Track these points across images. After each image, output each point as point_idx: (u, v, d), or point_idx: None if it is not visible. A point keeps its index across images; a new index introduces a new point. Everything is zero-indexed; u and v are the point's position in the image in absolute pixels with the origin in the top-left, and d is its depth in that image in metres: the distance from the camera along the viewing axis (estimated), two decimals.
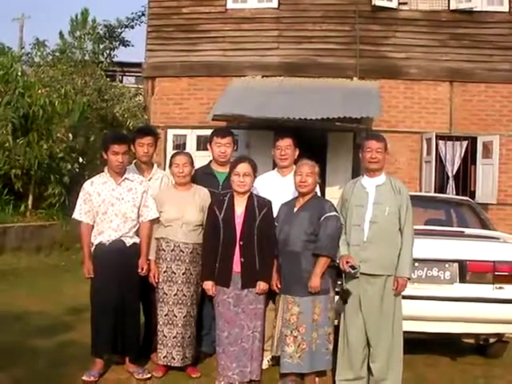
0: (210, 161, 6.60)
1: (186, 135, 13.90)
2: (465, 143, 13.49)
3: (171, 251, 5.84)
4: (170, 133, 14.08)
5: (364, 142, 5.84)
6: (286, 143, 6.39)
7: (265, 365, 6.11)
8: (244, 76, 13.59)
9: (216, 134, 6.52)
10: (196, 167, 6.24)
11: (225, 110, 11.43)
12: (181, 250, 5.83)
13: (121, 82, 22.25)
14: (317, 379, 5.80)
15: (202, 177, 6.31)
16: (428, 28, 13.50)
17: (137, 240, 5.86)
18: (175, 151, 6.98)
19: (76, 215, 5.89)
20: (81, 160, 13.55)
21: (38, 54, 18.34)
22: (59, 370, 5.95)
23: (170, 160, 6.08)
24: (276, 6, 14.01)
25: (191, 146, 13.61)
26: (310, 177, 5.77)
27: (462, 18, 13.50)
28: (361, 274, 5.49)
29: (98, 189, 5.83)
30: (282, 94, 12.40)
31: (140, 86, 17.16)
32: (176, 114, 14.02)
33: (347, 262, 5.49)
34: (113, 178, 5.86)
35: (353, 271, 5.44)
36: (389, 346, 5.53)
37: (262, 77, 13.61)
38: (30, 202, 13.52)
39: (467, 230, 7.07)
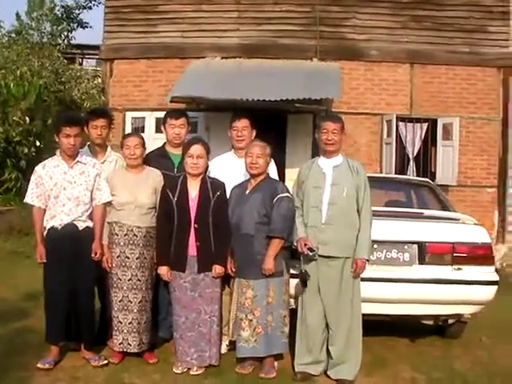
0: (165, 143, 6.50)
1: (144, 117, 13.66)
2: (425, 125, 13.50)
3: (124, 235, 5.73)
4: (129, 115, 13.84)
5: (320, 122, 5.74)
6: (242, 124, 6.30)
7: (223, 349, 6.07)
8: (203, 58, 13.42)
9: (169, 115, 6.42)
10: (151, 149, 6.14)
11: (183, 92, 11.29)
12: (134, 234, 5.72)
13: (80, 64, 21.91)
14: (275, 363, 5.76)
15: (157, 159, 6.22)
16: (389, 10, 13.40)
17: (90, 224, 5.74)
18: (127, 133, 6.84)
19: (28, 199, 5.76)
20: (38, 144, 13.30)
21: None
22: (14, 358, 5.84)
23: (121, 142, 5.96)
24: None
25: (150, 128, 13.36)
26: (261, 158, 5.71)
27: None
28: (319, 256, 5.44)
29: (50, 172, 5.69)
30: (241, 76, 12.27)
31: (98, 69, 16.89)
32: (134, 96, 13.77)
33: (305, 245, 5.42)
34: (65, 160, 5.72)
35: (311, 253, 5.38)
36: (348, 328, 5.50)
37: (222, 58, 13.44)
38: None
39: (426, 212, 7.05)
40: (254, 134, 6.38)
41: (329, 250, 5.43)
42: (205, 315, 5.66)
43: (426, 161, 13.59)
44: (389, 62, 13.40)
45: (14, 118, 13.06)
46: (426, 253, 6.15)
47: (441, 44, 13.28)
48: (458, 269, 6.13)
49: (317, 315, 5.55)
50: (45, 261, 5.65)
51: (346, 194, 5.45)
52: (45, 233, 5.70)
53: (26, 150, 13.01)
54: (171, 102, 11.25)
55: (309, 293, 5.55)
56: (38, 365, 5.56)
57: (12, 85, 13.24)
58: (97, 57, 18.05)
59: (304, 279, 5.46)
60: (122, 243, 5.74)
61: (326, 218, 5.46)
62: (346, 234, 5.46)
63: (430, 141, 13.52)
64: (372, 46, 13.38)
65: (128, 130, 13.35)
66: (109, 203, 5.79)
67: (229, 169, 6.18)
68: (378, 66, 13.41)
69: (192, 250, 5.61)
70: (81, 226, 5.69)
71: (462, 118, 13.17)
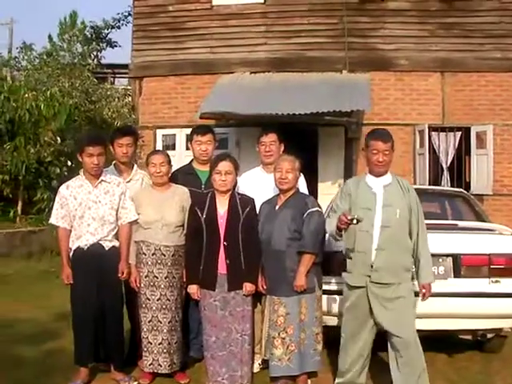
0: (192, 160, 6.42)
1: (175, 135, 13.72)
2: (458, 134, 13.33)
3: (152, 255, 5.64)
4: (159, 133, 13.92)
5: (370, 141, 5.23)
6: (270, 139, 6.23)
7: (256, 368, 5.95)
8: (232, 73, 13.41)
9: (196, 131, 6.35)
10: (178, 167, 6.08)
11: (213, 108, 11.28)
12: (162, 253, 5.64)
13: (112, 83, 22.07)
14: (309, 381, 5.65)
15: (184, 177, 6.15)
16: (417, 18, 13.32)
17: (116, 243, 5.68)
18: (152, 151, 6.77)
19: (53, 220, 5.73)
20: (69, 163, 13.36)
21: (25, 57, 18.15)
22: (44, 379, 5.80)
23: (147, 160, 5.89)
24: (262, 0, 13.82)
25: (180, 145, 13.39)
26: (291, 173, 5.60)
27: (450, 6, 13.30)
28: (370, 283, 5.09)
29: (74, 192, 5.64)
30: (270, 90, 12.24)
31: (129, 87, 16.98)
32: (164, 113, 13.86)
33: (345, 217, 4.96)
34: (89, 180, 5.67)
35: (355, 222, 4.92)
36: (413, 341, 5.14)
37: (251, 73, 13.44)
38: (19, 208, 13.40)
39: (461, 223, 6.87)
40: (282, 148, 6.30)
41: (381, 277, 5.06)
42: (236, 334, 5.53)
43: (460, 170, 13.41)
44: (419, 72, 13.29)
45: (46, 139, 13.15)
46: (461, 265, 5.97)
47: (471, 51, 13.16)
48: (496, 281, 5.95)
49: (361, 341, 5.26)
50: (71, 282, 5.60)
51: (399, 216, 5.09)
52: (71, 253, 5.65)
53: (57, 170, 13.07)
54: (201, 118, 11.24)
55: (356, 320, 5.23)
56: None
57: (42, 106, 13.31)
58: (127, 76, 18.17)
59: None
60: (149, 262, 5.65)
61: (378, 243, 5.07)
62: (400, 259, 5.11)
63: (463, 150, 13.33)
64: (401, 55, 13.28)
65: (159, 147, 13.42)
66: (135, 222, 5.73)
67: (258, 184, 6.09)
68: (409, 75, 13.30)
69: (222, 267, 5.50)
70: (107, 245, 5.63)
71: (495, 126, 12.99)
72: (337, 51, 13.34)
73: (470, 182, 13.11)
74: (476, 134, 13.10)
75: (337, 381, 5.40)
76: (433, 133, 13.22)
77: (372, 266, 5.06)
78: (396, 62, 13.29)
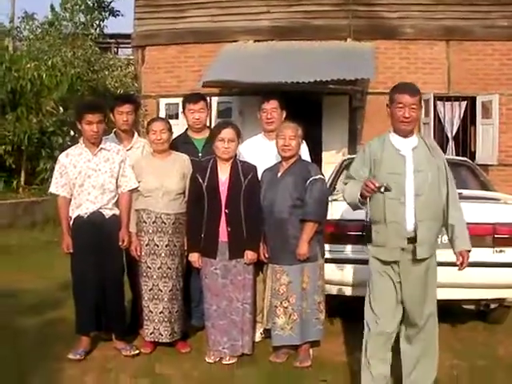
0: (186, 129, 6.35)
1: (178, 104, 13.52)
2: (464, 103, 13.24)
3: (153, 223, 5.57)
4: (162, 102, 13.83)
5: (394, 94, 4.54)
6: (271, 106, 6.12)
7: (257, 337, 5.93)
8: (235, 41, 13.27)
9: (188, 100, 6.26)
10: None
11: (216, 76, 11.21)
12: (163, 222, 5.57)
13: (116, 53, 21.94)
14: (311, 350, 5.61)
15: (181, 146, 6.05)
16: None
17: (116, 212, 5.61)
18: (152, 118, 6.69)
19: (52, 189, 5.67)
20: (72, 133, 13.28)
21: (27, 27, 18.03)
22: (45, 349, 5.77)
23: (147, 127, 5.82)
24: None
25: None
26: (293, 140, 5.51)
27: None
28: (406, 258, 4.49)
29: (74, 160, 5.57)
30: (274, 59, 12.13)
31: (132, 57, 16.87)
32: (167, 82, 13.75)
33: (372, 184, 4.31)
34: (88, 148, 5.59)
35: (383, 191, 4.29)
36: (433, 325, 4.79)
37: (254, 41, 13.29)
38: (22, 178, 13.38)
39: (465, 192, 6.78)
40: (284, 115, 6.21)
41: (420, 252, 4.47)
42: (237, 303, 5.50)
43: (465, 140, 13.33)
44: (424, 40, 13.14)
45: (48, 109, 13.07)
46: None
47: (477, 19, 13.01)
48: (500, 251, 5.89)
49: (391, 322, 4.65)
50: (71, 251, 5.56)
51: (432, 181, 4.49)
52: (71, 222, 5.59)
53: (60, 140, 13.03)
54: (204, 86, 11.17)
55: (386, 292, 4.60)
56: (69, 356, 5.47)
57: (44, 75, 13.22)
58: (129, 45, 18.04)
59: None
60: (150, 231, 5.59)
61: (415, 213, 4.45)
62: (436, 229, 4.60)
63: (469, 120, 13.22)
64: (407, 23, 13.14)
65: (162, 116, 13.27)
66: (136, 190, 5.67)
67: (259, 152, 6.01)
68: (414, 44, 13.16)
69: (223, 235, 5.45)
70: (107, 214, 5.57)
71: (501, 96, 12.87)
72: (341, 19, 13.18)
73: (475, 152, 13.02)
74: (482, 104, 13.00)
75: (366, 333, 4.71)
76: (438, 102, 13.11)
77: (410, 239, 4.44)
78: (401, 31, 13.14)
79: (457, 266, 4.62)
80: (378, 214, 4.50)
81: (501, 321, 6.69)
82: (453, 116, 13.31)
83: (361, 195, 4.41)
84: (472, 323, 6.71)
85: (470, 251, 4.66)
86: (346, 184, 4.73)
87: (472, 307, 6.51)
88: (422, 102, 4.69)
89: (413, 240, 4.43)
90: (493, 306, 6.42)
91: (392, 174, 4.45)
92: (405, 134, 4.54)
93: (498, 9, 12.97)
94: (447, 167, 4.62)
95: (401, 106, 4.47)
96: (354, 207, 4.67)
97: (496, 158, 12.69)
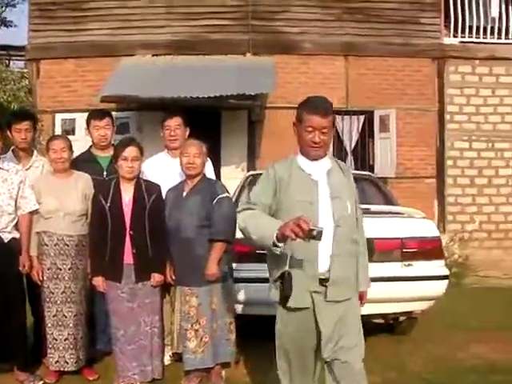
0: (90, 146, 6.17)
1: (74, 119, 13.19)
2: (362, 117, 13.43)
3: (54, 245, 5.33)
4: (58, 117, 13.34)
5: (303, 114, 3.78)
6: (175, 122, 6.01)
7: (167, 361, 5.77)
8: (133, 55, 13.01)
9: (93, 116, 6.11)
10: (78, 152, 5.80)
11: (113, 91, 10.93)
12: (65, 244, 5.34)
13: (7, 66, 21.18)
14: (223, 372, 5.50)
15: (84, 164, 5.83)
16: (321, 2, 13.21)
17: (16, 235, 5.35)
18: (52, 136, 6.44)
19: None
20: None
21: None
22: None
23: (47, 145, 5.56)
24: None
25: (81, 130, 12.82)
26: (198, 158, 5.39)
27: None
28: (320, 301, 3.71)
29: None
30: (173, 73, 11.94)
31: (25, 70, 16.30)
32: (63, 97, 13.29)
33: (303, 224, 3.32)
34: None
35: (315, 234, 3.32)
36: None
37: (153, 56, 13.08)
38: None
39: (373, 207, 6.83)
40: (188, 132, 6.10)
41: (339, 292, 3.72)
42: (145, 327, 5.33)
43: (364, 154, 13.51)
44: (323, 55, 13.24)
45: None
46: (374, 250, 5.90)
47: (374, 36, 13.20)
48: (408, 265, 5.96)
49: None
50: None
51: (350, 211, 3.80)
52: None
53: None
54: (102, 101, 10.88)
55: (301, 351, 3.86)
56: None
57: None
58: (23, 58, 17.44)
59: (286, 295, 3.65)
60: (52, 254, 5.35)
61: (331, 248, 3.67)
62: (354, 265, 3.86)
63: (367, 133, 13.44)
64: (306, 39, 13.20)
65: (58, 132, 12.86)
66: (36, 212, 5.40)
67: (163, 170, 5.87)
68: (313, 59, 13.23)
69: (128, 258, 5.26)
70: (6, 237, 5.29)
71: (398, 110, 13.13)
72: (240, 34, 13.12)
73: (373, 165, 13.23)
74: (379, 118, 13.23)
75: None
76: (337, 116, 13.25)
77: (324, 280, 3.68)
78: (300, 46, 13.20)
79: None
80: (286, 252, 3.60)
81: (408, 332, 6.81)
82: (351, 130, 13.49)
83: (282, 236, 3.38)
84: (380, 336, 6.77)
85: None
86: (245, 210, 3.74)
87: (381, 321, 6.56)
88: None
89: (326, 280, 3.68)
90: (401, 318, 6.50)
91: (302, 203, 3.65)
92: (315, 159, 3.82)
93: (392, 26, 13.24)
94: (357, 196, 3.99)
95: (310, 129, 3.72)
96: (261, 247, 3.75)
97: (394, 171, 12.93)
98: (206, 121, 11.35)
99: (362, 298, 4.00)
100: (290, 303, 3.67)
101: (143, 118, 12.36)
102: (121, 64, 12.50)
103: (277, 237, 3.40)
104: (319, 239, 3.34)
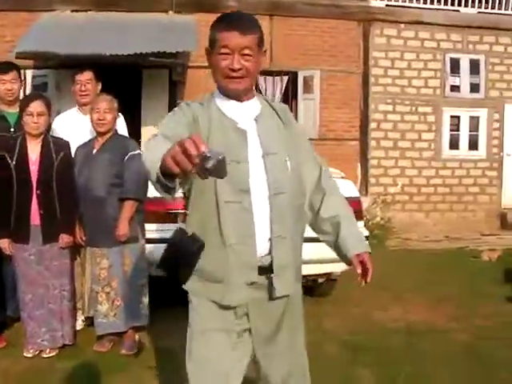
0: None
1: None
2: (285, 78, 13.31)
3: None
4: None
5: (216, 33, 2.73)
6: (86, 77, 5.75)
7: (79, 325, 5.59)
8: (52, 11, 12.51)
9: None
10: None
11: (30, 47, 10.45)
12: None
13: None
14: (136, 336, 5.34)
15: None
16: None
17: None
18: None
19: None
20: None
21: None
22: None
23: None
24: None
25: None
26: (109, 113, 5.15)
27: None
28: (257, 297, 2.74)
29: None
30: (92, 30, 11.51)
31: None
32: None
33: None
34: None
35: (212, 167, 1.93)
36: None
37: (72, 11, 12.60)
38: None
39: None
40: (100, 87, 5.85)
41: (283, 286, 2.77)
42: (54, 290, 5.11)
43: None
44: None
45: None
46: None
47: None
48: None
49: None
50: None
51: (292, 170, 2.76)
52: None
53: None
54: (17, 58, 10.39)
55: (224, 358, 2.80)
56: None
57: None
58: None
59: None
60: None
61: (272, 225, 2.68)
62: (300, 246, 2.97)
63: (290, 94, 13.34)
64: None
65: None
66: None
67: (73, 127, 5.62)
68: None
69: (35, 218, 5.02)
70: None
71: (322, 71, 13.03)
72: None
73: None
74: (303, 79, 13.13)
75: None
76: (260, 76, 13.09)
77: (263, 269, 2.70)
78: (224, 4, 12.92)
79: None
80: (208, 229, 2.65)
81: (328, 293, 6.84)
82: (274, 90, 13.37)
83: (166, 167, 2.03)
84: None
85: (370, 253, 2.92)
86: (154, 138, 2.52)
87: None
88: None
89: (267, 269, 2.72)
90: (320, 280, 6.46)
91: (230, 162, 2.26)
92: (237, 97, 2.73)
93: None
94: (308, 140, 2.99)
95: (225, 51, 2.66)
96: (156, 184, 2.20)
97: (317, 133, 12.88)
98: (127, 79, 11.06)
99: (364, 263, 2.85)
100: (222, 299, 2.71)
101: (62, 76, 11.89)
102: (38, 19, 12.00)
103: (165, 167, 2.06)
104: (219, 174, 1.98)
